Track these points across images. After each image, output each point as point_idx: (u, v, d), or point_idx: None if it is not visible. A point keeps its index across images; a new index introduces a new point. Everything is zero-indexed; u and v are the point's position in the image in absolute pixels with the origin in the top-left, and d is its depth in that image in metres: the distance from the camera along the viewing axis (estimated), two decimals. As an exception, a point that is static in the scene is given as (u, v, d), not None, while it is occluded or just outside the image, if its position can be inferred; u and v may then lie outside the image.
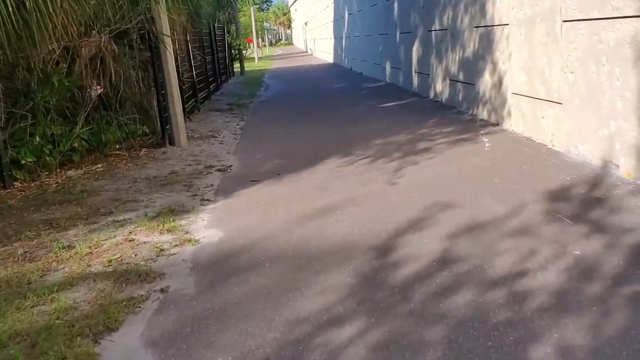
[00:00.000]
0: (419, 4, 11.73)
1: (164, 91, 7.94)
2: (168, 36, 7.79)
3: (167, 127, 8.05)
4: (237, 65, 26.64)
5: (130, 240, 4.53)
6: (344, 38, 25.41)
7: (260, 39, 71.81)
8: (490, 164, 5.93)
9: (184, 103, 10.43)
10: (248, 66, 30.81)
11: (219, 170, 6.80)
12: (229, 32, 25.57)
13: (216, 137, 9.10)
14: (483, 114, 8.45)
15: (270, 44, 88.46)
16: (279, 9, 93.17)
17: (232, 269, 3.82)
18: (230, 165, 7.01)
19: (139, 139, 7.99)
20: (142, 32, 7.54)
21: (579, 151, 5.71)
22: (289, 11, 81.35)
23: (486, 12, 7.99)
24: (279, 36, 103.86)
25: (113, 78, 7.31)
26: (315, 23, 40.90)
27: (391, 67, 15.49)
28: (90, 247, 4.39)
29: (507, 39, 7.33)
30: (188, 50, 11.73)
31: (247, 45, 43.02)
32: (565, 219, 4.16)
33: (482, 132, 7.55)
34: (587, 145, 5.56)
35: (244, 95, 15.87)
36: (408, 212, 4.64)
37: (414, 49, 12.60)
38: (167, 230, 4.72)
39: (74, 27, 6.34)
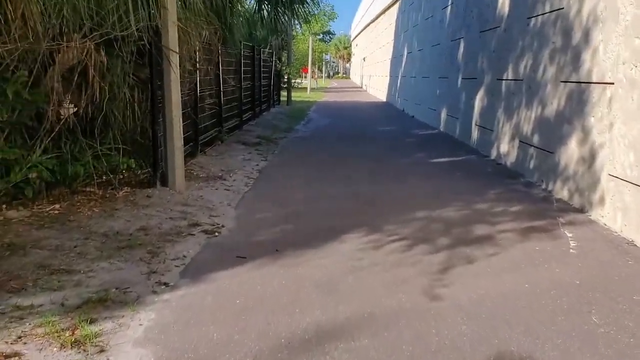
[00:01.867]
0: (490, 47, 9.95)
1: (161, 119, 6.38)
2: (175, 52, 6.27)
3: (162, 163, 6.47)
4: (285, 94, 25.38)
5: (7, 357, 2.88)
6: (399, 77, 23.76)
7: (317, 70, 71.24)
8: (580, 281, 4.03)
9: (201, 133, 8.95)
10: (298, 96, 29.56)
11: (204, 231, 5.14)
12: (280, 59, 24.43)
13: (225, 179, 7.47)
14: (562, 192, 6.52)
15: (328, 76, 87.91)
16: (340, 42, 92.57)
17: None
18: (222, 226, 5.34)
19: (124, 174, 6.43)
20: (142, 42, 6.02)
21: None
22: (350, 45, 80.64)
23: (580, 65, 6.14)
24: (337, 69, 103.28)
25: (96, 96, 5.82)
26: (373, 59, 39.50)
27: (447, 115, 13.66)
28: None
29: (608, 103, 5.45)
30: (217, 74, 10.27)
31: (302, 75, 41.97)
32: None
33: (562, 220, 5.63)
34: None
35: (280, 128, 14.33)
36: (453, 369, 2.83)
37: (478, 98, 10.77)
38: (76, 341, 3.07)
39: (42, 25, 4.89)
